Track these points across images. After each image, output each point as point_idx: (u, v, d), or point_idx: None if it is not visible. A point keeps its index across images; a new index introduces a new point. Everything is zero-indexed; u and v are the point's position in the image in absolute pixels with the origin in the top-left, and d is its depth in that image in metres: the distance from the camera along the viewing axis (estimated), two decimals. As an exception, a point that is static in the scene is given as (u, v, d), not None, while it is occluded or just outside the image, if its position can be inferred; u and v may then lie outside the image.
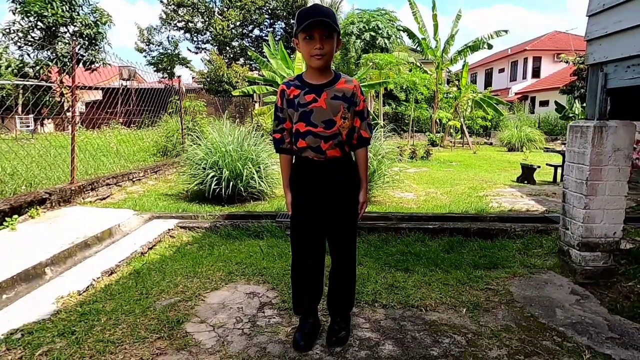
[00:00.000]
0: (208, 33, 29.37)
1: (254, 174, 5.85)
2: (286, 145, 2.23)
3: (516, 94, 30.64)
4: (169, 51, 29.28)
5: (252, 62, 27.04)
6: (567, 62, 17.32)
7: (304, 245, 2.29)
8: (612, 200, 3.18)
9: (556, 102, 14.43)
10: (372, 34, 20.19)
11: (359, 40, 20.05)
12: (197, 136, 6.67)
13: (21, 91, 15.82)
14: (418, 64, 19.51)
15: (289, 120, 2.19)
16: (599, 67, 3.25)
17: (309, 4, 28.06)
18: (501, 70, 35.45)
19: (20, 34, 16.01)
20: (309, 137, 2.11)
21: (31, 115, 15.26)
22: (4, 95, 15.15)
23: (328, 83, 2.12)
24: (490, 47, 18.41)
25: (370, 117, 2.28)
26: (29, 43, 16.31)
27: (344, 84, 2.14)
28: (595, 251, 3.22)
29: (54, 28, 15.83)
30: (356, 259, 2.41)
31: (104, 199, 5.81)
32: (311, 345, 2.27)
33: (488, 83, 34.99)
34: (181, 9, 28.25)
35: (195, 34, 29.84)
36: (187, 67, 29.34)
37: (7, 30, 15.86)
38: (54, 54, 16.38)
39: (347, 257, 2.34)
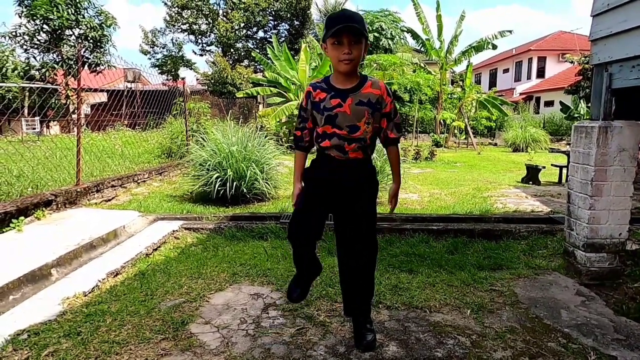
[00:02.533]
0: (212, 35, 29.44)
1: (257, 175, 5.87)
2: (304, 143, 2.28)
3: (521, 94, 30.50)
4: (173, 53, 29.40)
5: (256, 64, 27.09)
6: (572, 62, 17.21)
7: (306, 213, 2.24)
8: (618, 201, 3.16)
9: (561, 102, 14.33)
10: (376, 34, 20.19)
11: (362, 41, 20.04)
12: (201, 137, 6.69)
13: (27, 94, 15.96)
14: (422, 64, 19.50)
15: (311, 120, 2.22)
16: (603, 67, 3.24)
17: (313, 6, 28.10)
18: (506, 71, 35.32)
19: (27, 37, 16.14)
20: (334, 138, 2.14)
21: (37, 118, 15.39)
22: (11, 97, 15.28)
23: (353, 88, 2.12)
24: (494, 47, 18.35)
25: (399, 116, 2.29)
26: (35, 46, 16.44)
27: (369, 88, 2.13)
28: (600, 252, 3.21)
29: (59, 31, 15.95)
30: (375, 260, 2.35)
31: (109, 200, 5.85)
32: (305, 295, 2.42)
33: (492, 83, 34.85)
34: (185, 11, 28.35)
35: (200, 36, 29.93)
36: (191, 69, 29.44)
37: (14, 34, 15.99)
38: (60, 57, 16.50)
39: (364, 256, 2.29)
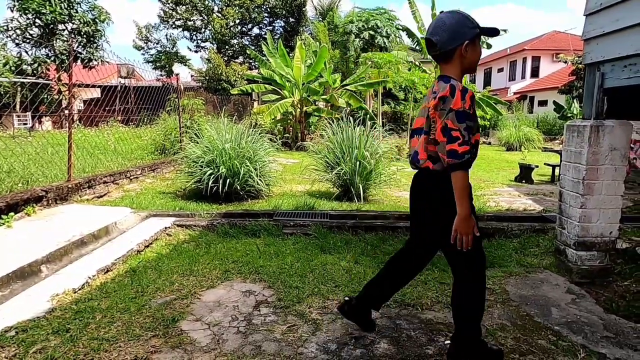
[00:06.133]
0: (207, 31, 29.29)
1: (251, 172, 5.84)
2: None
3: (515, 93, 30.64)
4: (167, 49, 29.22)
5: (251, 61, 26.99)
6: (565, 61, 17.30)
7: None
8: (609, 199, 3.18)
9: (555, 102, 14.44)
10: (371, 32, 20.15)
11: (357, 39, 20.01)
12: (195, 134, 6.65)
13: (19, 88, 15.78)
14: (417, 63, 19.48)
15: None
16: (596, 66, 3.25)
17: (308, 3, 27.96)
18: (500, 70, 35.44)
19: (18, 31, 15.95)
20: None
21: (29, 113, 15.23)
22: (2, 92, 15.10)
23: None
24: (489, 46, 18.37)
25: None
26: (27, 40, 16.26)
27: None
28: (591, 250, 3.23)
29: (52, 25, 15.78)
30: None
31: (101, 197, 5.80)
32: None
33: (487, 82, 34.96)
34: (180, 7, 28.16)
35: (194, 32, 29.76)
36: (185, 65, 29.28)
37: (5, 28, 15.80)
38: (52, 52, 16.33)
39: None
